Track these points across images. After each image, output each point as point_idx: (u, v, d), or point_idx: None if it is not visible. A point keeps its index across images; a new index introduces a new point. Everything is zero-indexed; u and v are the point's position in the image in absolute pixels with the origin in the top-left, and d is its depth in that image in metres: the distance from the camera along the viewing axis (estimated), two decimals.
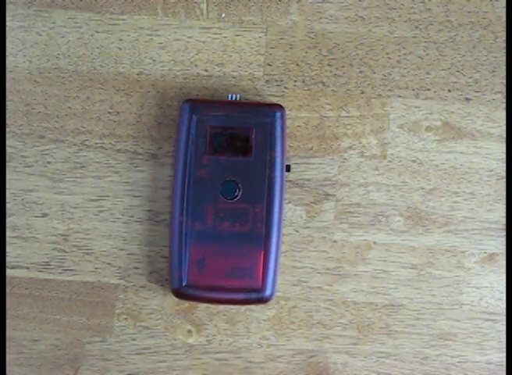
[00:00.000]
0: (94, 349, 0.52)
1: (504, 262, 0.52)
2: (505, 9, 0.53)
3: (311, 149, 0.52)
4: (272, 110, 0.48)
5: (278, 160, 0.48)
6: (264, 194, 0.48)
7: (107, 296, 0.52)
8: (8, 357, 0.51)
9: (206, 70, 0.53)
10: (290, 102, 0.53)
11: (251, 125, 0.48)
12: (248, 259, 0.47)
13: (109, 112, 0.52)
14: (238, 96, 0.50)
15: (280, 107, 0.49)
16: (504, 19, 0.53)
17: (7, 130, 0.52)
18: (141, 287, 0.52)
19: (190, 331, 0.52)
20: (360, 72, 0.53)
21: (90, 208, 0.52)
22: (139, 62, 0.53)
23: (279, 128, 0.48)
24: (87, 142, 0.52)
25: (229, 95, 0.50)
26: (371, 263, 0.53)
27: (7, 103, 0.52)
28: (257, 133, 0.48)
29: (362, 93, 0.53)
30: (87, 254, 0.52)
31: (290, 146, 0.52)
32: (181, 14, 0.53)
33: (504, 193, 0.53)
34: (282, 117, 0.48)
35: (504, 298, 0.52)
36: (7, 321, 0.51)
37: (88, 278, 0.52)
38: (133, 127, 0.52)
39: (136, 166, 0.52)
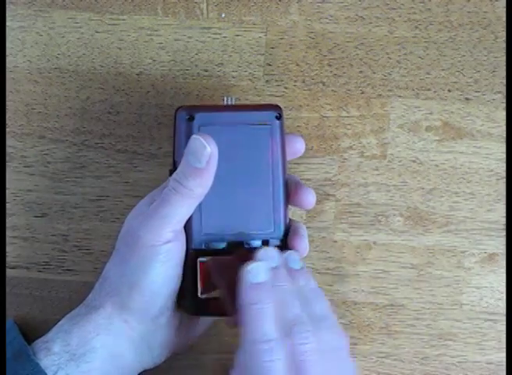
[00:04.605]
0: None
1: (504, 262, 0.52)
2: (505, 9, 0.53)
3: (311, 149, 0.52)
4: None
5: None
6: None
7: None
8: None
9: (206, 70, 0.53)
10: (290, 102, 0.53)
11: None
12: None
13: (109, 112, 0.52)
14: (233, 99, 0.47)
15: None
16: (504, 19, 0.53)
17: (7, 130, 0.52)
18: None
19: None
20: (360, 72, 0.53)
21: (90, 208, 0.52)
22: (139, 62, 0.52)
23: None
24: (87, 142, 0.52)
25: (225, 98, 0.47)
26: (371, 263, 0.53)
27: (7, 103, 0.52)
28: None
29: (362, 93, 0.53)
30: (87, 254, 0.52)
31: None
32: (181, 14, 0.53)
33: (504, 193, 0.53)
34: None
35: (504, 298, 0.52)
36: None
37: (88, 278, 0.52)
38: (133, 127, 0.52)
39: (136, 166, 0.52)
